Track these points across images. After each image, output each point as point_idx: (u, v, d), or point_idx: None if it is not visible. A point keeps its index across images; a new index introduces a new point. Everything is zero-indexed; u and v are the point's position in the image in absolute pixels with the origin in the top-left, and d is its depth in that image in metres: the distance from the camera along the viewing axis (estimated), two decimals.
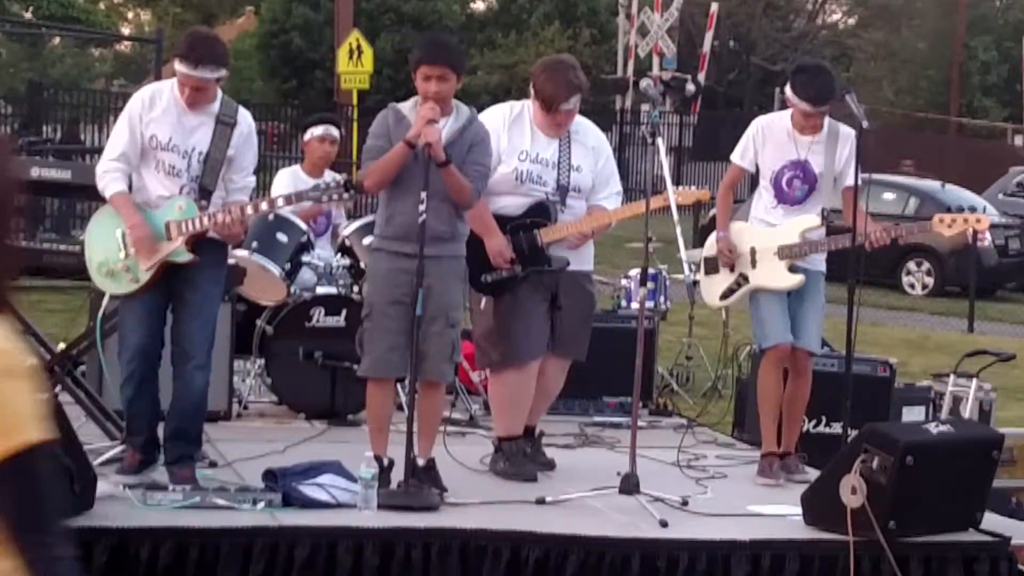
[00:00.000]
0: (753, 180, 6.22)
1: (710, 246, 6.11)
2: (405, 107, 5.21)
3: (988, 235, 16.38)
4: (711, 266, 6.09)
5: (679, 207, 5.59)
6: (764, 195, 6.03)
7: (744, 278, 6.01)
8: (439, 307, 5.08)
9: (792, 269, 5.93)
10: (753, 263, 6.00)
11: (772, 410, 5.93)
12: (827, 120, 5.96)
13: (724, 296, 6.10)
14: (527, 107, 5.76)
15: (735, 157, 6.08)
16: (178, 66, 5.02)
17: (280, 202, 5.22)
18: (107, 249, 5.12)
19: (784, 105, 6.11)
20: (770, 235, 5.96)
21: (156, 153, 5.08)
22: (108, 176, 5.09)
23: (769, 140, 5.96)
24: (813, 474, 6.06)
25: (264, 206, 5.17)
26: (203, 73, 5.00)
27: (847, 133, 5.99)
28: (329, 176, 7.37)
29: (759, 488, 5.80)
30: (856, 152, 5.91)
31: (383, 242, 5.22)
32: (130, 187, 5.13)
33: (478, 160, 5.19)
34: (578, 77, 5.66)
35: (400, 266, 5.11)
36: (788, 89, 5.92)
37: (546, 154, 5.70)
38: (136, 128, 5.08)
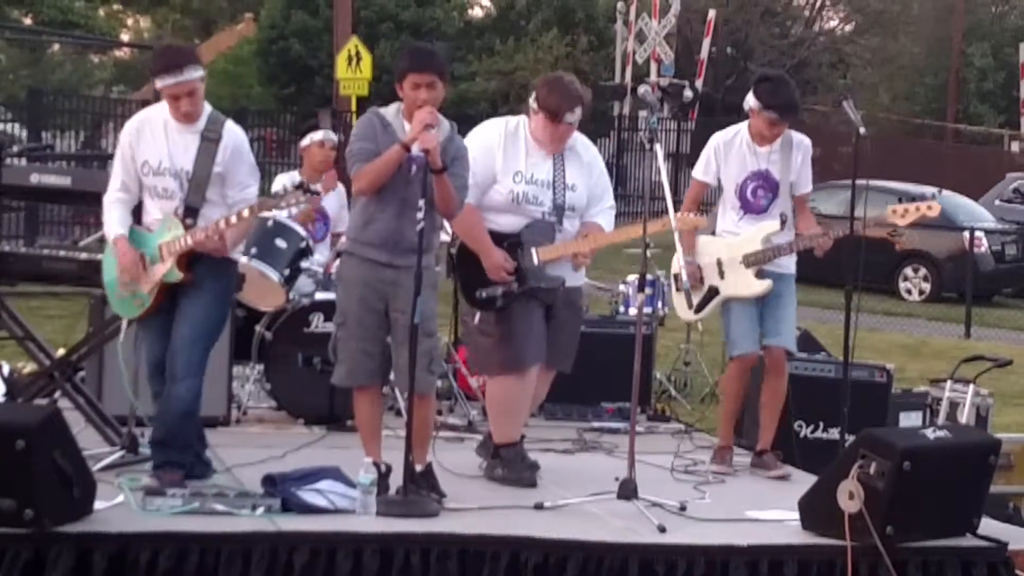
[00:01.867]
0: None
1: (677, 262, 6.21)
2: (389, 113, 5.23)
3: (985, 241, 16.46)
4: (680, 282, 6.20)
5: (676, 208, 5.63)
6: (729, 208, 6.17)
7: (714, 290, 6.14)
8: (415, 317, 5.06)
9: (759, 275, 6.04)
10: (721, 274, 6.14)
11: (733, 411, 6.22)
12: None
13: (697, 310, 6.25)
14: (523, 124, 5.77)
15: (697, 173, 6.23)
16: (164, 81, 5.06)
17: (245, 213, 5.20)
18: (116, 279, 5.25)
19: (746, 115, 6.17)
20: (733, 245, 6.12)
21: (149, 179, 5.18)
22: (111, 213, 5.22)
23: (730, 154, 6.13)
24: (793, 471, 6.13)
25: (233, 219, 5.18)
26: (190, 75, 5.05)
27: (800, 140, 6.16)
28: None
29: (757, 493, 5.82)
30: (854, 157, 5.97)
31: (356, 247, 5.22)
32: (138, 212, 5.26)
33: (459, 172, 5.21)
34: (580, 91, 5.72)
35: (375, 274, 5.13)
36: (752, 100, 6.03)
37: (541, 174, 5.71)
38: (128, 158, 5.20)
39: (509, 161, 5.68)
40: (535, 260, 5.67)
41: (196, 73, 5.07)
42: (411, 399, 5.05)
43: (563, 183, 5.73)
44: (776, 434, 6.27)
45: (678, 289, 6.27)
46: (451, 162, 5.16)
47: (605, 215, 5.85)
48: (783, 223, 6.11)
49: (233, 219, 5.16)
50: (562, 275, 5.72)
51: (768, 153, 6.09)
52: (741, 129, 6.14)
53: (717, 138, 6.19)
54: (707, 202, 6.50)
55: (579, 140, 5.89)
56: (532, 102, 5.74)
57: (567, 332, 5.84)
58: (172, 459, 5.17)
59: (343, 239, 7.17)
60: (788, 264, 6.15)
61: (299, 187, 5.15)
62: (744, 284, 6.07)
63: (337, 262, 7.04)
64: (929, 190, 17.45)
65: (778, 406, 6.19)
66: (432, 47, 5.55)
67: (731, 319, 6.12)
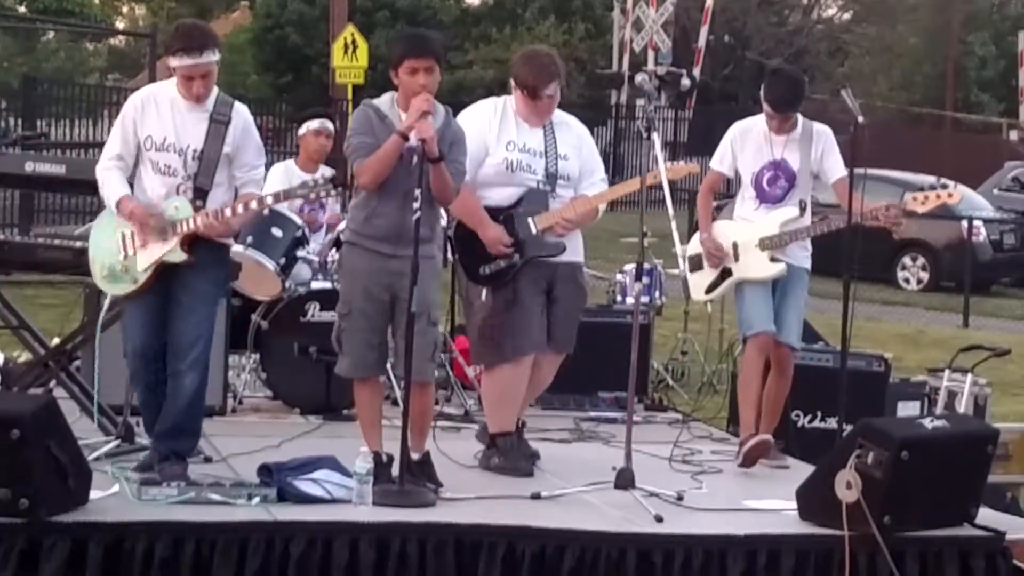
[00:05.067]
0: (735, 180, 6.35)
1: (694, 245, 6.24)
2: (383, 104, 5.19)
3: (983, 230, 16.44)
4: (695, 263, 6.24)
5: (674, 200, 5.62)
6: (746, 197, 6.16)
7: (728, 271, 6.12)
8: (421, 306, 5.06)
9: (773, 260, 6.03)
10: (736, 257, 6.13)
11: (753, 399, 6.02)
12: (801, 119, 6.10)
13: (709, 290, 6.24)
14: (508, 102, 5.79)
15: (714, 163, 6.23)
16: (181, 60, 4.99)
17: (269, 199, 5.21)
18: (108, 251, 5.14)
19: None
20: (750, 229, 6.10)
21: (152, 154, 5.09)
22: (109, 180, 5.10)
23: (747, 144, 6.11)
24: (791, 461, 6.11)
25: (255, 205, 5.17)
26: (209, 57, 5.01)
27: (821, 131, 6.11)
28: (319, 172, 7.38)
29: (754, 483, 5.81)
30: (852, 146, 5.94)
31: (359, 239, 5.18)
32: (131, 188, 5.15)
33: (457, 158, 5.20)
34: (555, 63, 5.74)
35: (378, 265, 5.11)
36: (762, 89, 6.09)
37: (533, 143, 5.75)
38: (129, 130, 5.10)
39: (501, 133, 5.70)
40: (533, 229, 5.68)
41: (213, 56, 5.04)
42: (407, 387, 5.04)
43: (555, 152, 5.75)
44: (780, 426, 6.23)
45: (692, 270, 6.23)
46: (448, 147, 5.13)
47: (597, 188, 5.85)
48: (802, 210, 6.07)
49: (254, 204, 5.14)
50: (562, 241, 5.72)
51: (785, 142, 6.06)
52: (759, 119, 6.12)
53: (735, 128, 6.19)
54: (721, 192, 6.47)
55: (567, 117, 5.92)
56: (511, 80, 5.77)
57: (568, 312, 5.82)
58: (178, 449, 5.14)
59: (340, 227, 7.17)
60: (803, 258, 6.10)
61: (332, 180, 5.12)
62: (757, 266, 6.03)
63: (334, 251, 7.04)
64: (928, 179, 17.45)
65: (781, 402, 6.14)
66: (427, 31, 5.53)
67: (744, 301, 6.07)
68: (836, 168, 6.09)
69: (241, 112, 5.17)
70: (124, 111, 5.15)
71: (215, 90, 5.12)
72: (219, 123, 5.10)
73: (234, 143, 5.12)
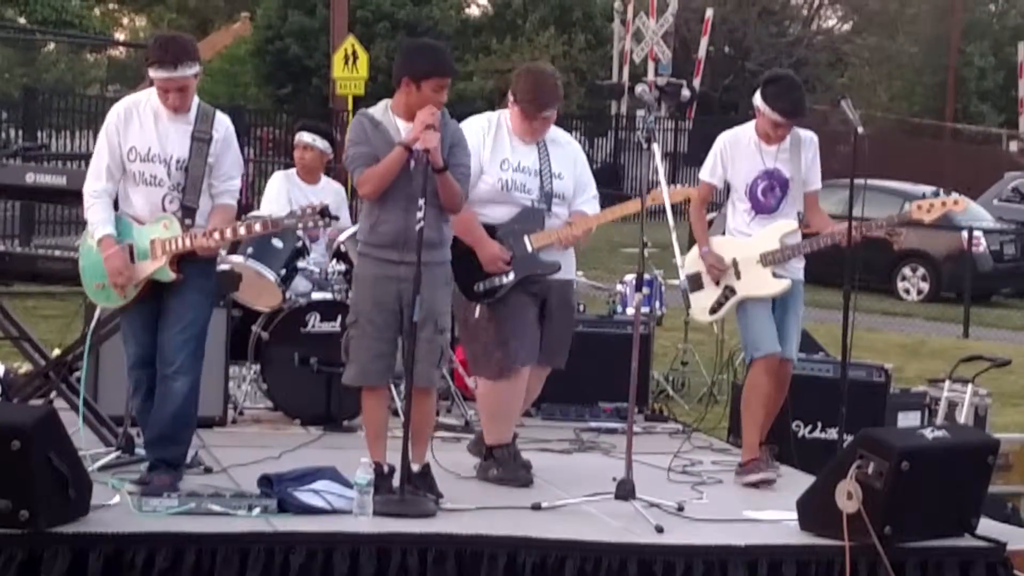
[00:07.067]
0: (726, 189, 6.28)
1: (691, 263, 6.11)
2: (377, 111, 5.22)
3: (983, 240, 16.44)
4: (695, 283, 6.11)
5: (674, 211, 5.62)
6: (739, 208, 6.06)
7: (731, 290, 6.03)
8: (429, 313, 5.09)
9: (776, 275, 5.98)
10: (737, 274, 6.03)
11: (758, 419, 5.98)
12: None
13: (713, 311, 6.11)
14: (503, 116, 5.79)
15: (704, 175, 6.13)
16: (156, 73, 5.04)
17: (257, 227, 5.20)
18: (97, 264, 5.15)
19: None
20: (749, 244, 6.02)
21: (136, 165, 5.12)
22: (96, 210, 5.13)
23: (737, 154, 6.02)
24: (785, 470, 6.11)
25: (242, 231, 5.17)
26: (184, 72, 5.03)
27: (808, 137, 6.07)
28: (321, 183, 7.37)
29: (755, 493, 5.80)
30: (852, 157, 5.94)
31: (368, 248, 5.21)
32: (116, 202, 5.18)
33: (460, 161, 5.21)
34: (558, 87, 5.75)
35: (386, 272, 5.11)
36: (759, 99, 5.94)
37: (527, 162, 5.73)
38: (114, 142, 5.13)
39: (495, 151, 5.70)
40: (529, 248, 5.68)
41: (190, 70, 5.04)
42: (409, 395, 5.04)
43: (549, 171, 5.75)
44: (773, 433, 6.23)
45: (692, 290, 6.07)
46: (450, 150, 5.15)
47: (590, 204, 5.86)
48: (800, 222, 6.03)
49: (242, 230, 5.16)
50: (557, 261, 5.72)
51: (776, 151, 5.98)
52: (748, 128, 6.04)
53: (724, 138, 6.08)
54: (715, 202, 6.38)
55: (559, 133, 5.92)
56: (510, 93, 5.76)
57: (560, 329, 5.83)
58: (166, 457, 5.14)
59: (340, 237, 7.17)
60: (798, 269, 6.05)
61: (322, 212, 5.14)
62: (762, 284, 5.96)
63: (335, 262, 7.04)
64: (928, 190, 17.46)
65: (775, 411, 6.12)
66: (444, 47, 5.49)
67: (749, 320, 5.97)
68: (814, 178, 6.08)
69: (222, 123, 5.19)
70: (107, 123, 5.17)
71: (196, 102, 5.15)
72: (201, 141, 5.13)
73: (215, 154, 5.15)
